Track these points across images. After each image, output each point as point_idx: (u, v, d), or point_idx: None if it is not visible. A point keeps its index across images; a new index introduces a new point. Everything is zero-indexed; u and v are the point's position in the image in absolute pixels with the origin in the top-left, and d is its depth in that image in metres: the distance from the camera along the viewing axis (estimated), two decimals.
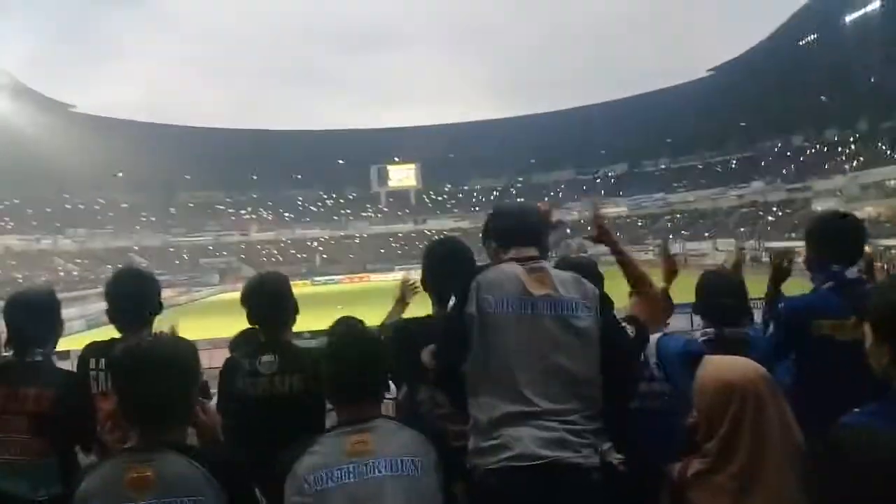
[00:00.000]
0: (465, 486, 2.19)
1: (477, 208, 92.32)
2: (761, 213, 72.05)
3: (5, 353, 2.98)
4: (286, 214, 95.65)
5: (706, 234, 70.38)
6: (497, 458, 2.09)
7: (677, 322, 4.23)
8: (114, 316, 2.86)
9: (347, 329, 2.30)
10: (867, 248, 3.00)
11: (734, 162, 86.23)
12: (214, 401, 2.77)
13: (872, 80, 63.29)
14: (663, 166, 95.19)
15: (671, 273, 3.49)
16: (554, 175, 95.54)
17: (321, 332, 2.30)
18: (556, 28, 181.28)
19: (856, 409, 1.67)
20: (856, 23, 65.82)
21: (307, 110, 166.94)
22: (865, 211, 50.14)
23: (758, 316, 3.68)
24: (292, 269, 70.47)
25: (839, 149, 71.26)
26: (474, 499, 2.17)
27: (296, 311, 3.03)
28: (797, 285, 3.29)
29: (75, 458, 2.64)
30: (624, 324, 2.55)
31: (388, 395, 2.46)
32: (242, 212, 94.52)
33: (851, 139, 70.95)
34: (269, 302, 2.91)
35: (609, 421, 2.25)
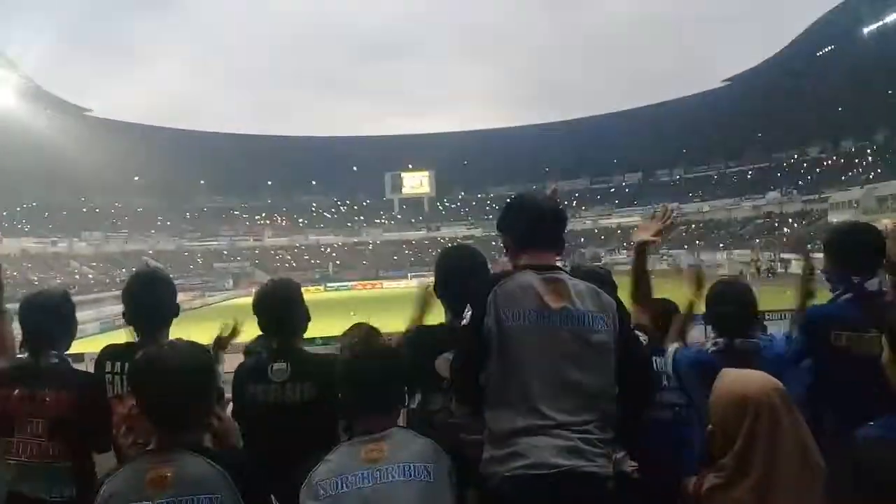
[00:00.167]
0: (477, 494, 2.18)
1: (490, 216, 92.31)
2: (777, 224, 71.63)
3: (19, 355, 3.00)
4: (300, 220, 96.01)
5: (721, 245, 70.01)
6: (512, 465, 2.09)
7: (692, 333, 4.19)
8: (131, 319, 2.88)
9: (367, 344, 2.32)
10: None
11: (750, 172, 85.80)
12: (231, 407, 2.78)
13: (890, 92, 62.83)
14: (678, 176, 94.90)
15: (698, 286, 3.44)
16: (568, 184, 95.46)
17: (334, 338, 2.30)
18: (571, 37, 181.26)
19: (870, 423, 1.66)
20: (873, 34, 65.41)
21: (322, 117, 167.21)
22: (882, 223, 49.75)
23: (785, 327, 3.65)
24: (306, 274, 70.67)
25: (856, 160, 70.78)
26: None
27: (307, 318, 3.02)
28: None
29: (90, 460, 2.65)
30: (636, 332, 2.54)
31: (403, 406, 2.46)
32: (257, 217, 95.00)
33: (868, 150, 70.47)
34: (280, 309, 2.90)
35: (623, 430, 2.24)
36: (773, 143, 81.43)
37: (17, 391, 2.61)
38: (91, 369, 2.97)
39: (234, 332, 3.14)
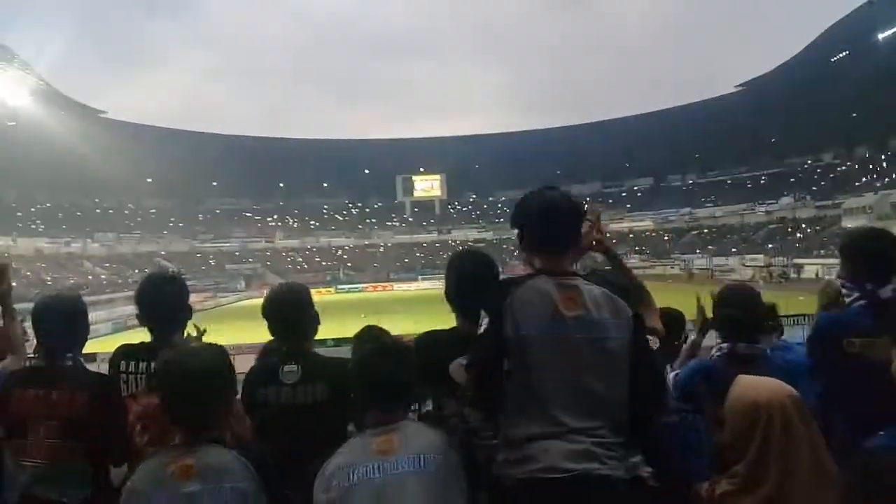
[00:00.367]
0: (490, 497, 2.19)
1: (501, 219, 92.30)
2: (790, 229, 71.30)
3: (31, 356, 3.02)
4: (312, 222, 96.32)
5: (733, 250, 69.78)
6: (525, 469, 2.08)
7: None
8: (145, 321, 2.90)
9: (379, 339, 2.34)
10: None
11: (763, 178, 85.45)
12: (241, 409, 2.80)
13: None
14: (691, 181, 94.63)
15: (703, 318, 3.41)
16: (579, 188, 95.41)
17: (345, 339, 2.32)
18: (584, 41, 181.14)
19: (881, 432, 1.64)
20: (888, 40, 64.99)
21: (334, 120, 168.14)
22: None
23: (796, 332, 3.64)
24: (317, 276, 70.86)
25: (870, 166, 70.38)
26: None
27: (317, 321, 3.03)
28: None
29: (105, 461, 2.66)
30: (649, 337, 2.52)
31: (412, 410, 2.46)
32: (269, 219, 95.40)
33: (882, 156, 70.03)
34: (289, 313, 2.91)
35: (635, 436, 2.23)
36: (786, 148, 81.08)
37: (31, 392, 2.63)
38: (104, 369, 2.99)
39: (199, 339, 3.21)
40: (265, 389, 2.75)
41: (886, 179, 63.75)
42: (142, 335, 2.95)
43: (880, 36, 65.84)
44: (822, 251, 56.11)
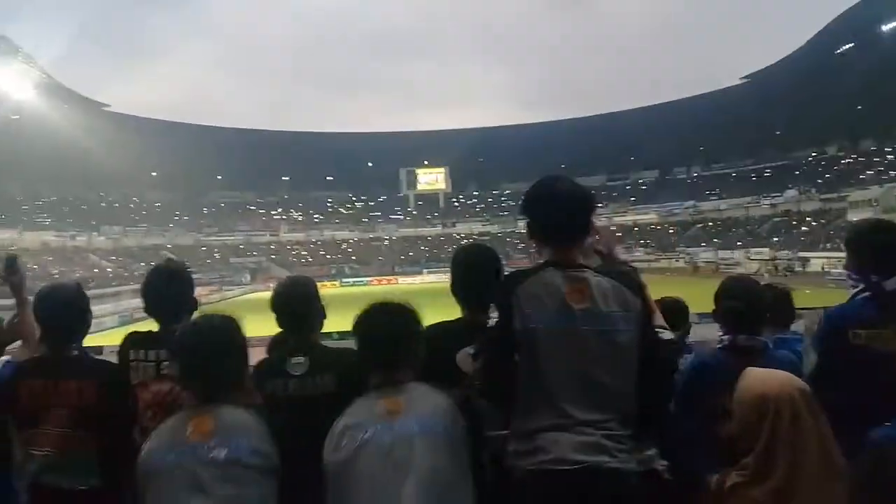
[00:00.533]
0: (498, 487, 2.19)
1: (506, 212, 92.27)
2: (795, 222, 71.13)
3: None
4: (316, 216, 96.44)
5: (738, 243, 69.63)
6: (535, 460, 2.09)
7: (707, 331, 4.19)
8: (151, 313, 2.93)
9: (383, 300, 2.37)
10: None
11: (768, 170, 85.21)
12: None
13: None
14: (695, 174, 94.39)
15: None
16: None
17: (350, 333, 2.32)
18: (588, 34, 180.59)
19: (886, 423, 1.65)
20: (893, 32, 64.65)
21: (338, 113, 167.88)
22: None
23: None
24: (321, 270, 70.94)
25: (875, 159, 70.15)
26: (512, 499, 2.16)
27: (323, 314, 3.05)
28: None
29: (113, 449, 2.68)
30: (659, 331, 2.51)
31: None
32: (273, 212, 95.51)
33: (888, 149, 69.77)
34: (297, 306, 2.93)
35: (643, 428, 2.23)
36: (791, 140, 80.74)
37: (39, 382, 2.65)
38: (111, 362, 3.01)
39: None
40: (273, 381, 2.77)
41: (892, 172, 63.47)
42: (148, 327, 2.97)
43: (885, 28, 65.53)
44: (827, 244, 56.00)
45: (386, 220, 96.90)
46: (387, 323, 2.27)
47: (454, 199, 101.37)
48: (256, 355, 3.18)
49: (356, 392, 2.29)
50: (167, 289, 2.94)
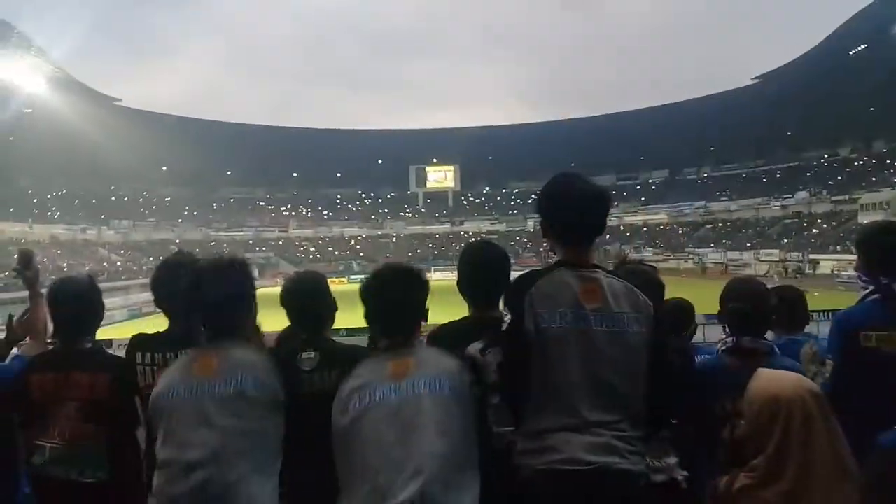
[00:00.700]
0: (505, 485, 2.19)
1: (514, 211, 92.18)
2: (805, 224, 70.79)
3: (48, 341, 3.05)
4: (325, 212, 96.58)
5: (748, 245, 69.35)
6: (545, 460, 2.08)
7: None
8: (161, 306, 2.92)
9: (391, 264, 2.38)
10: None
11: (779, 171, 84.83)
12: None
13: None
14: (705, 174, 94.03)
15: None
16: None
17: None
18: (599, 32, 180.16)
19: (895, 427, 1.64)
20: None
21: (348, 111, 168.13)
22: None
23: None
24: (329, 266, 71.03)
25: (887, 161, 69.70)
26: (521, 499, 2.15)
27: (335, 308, 3.05)
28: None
29: (121, 442, 2.69)
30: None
31: None
32: (282, 208, 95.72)
33: None
34: (307, 301, 2.92)
35: (652, 431, 2.22)
36: (803, 142, 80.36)
37: (50, 376, 2.66)
38: (124, 357, 3.01)
39: None
40: (282, 377, 2.77)
41: None
42: (157, 321, 2.96)
43: None
44: (837, 247, 55.70)
45: (394, 217, 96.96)
46: (395, 286, 2.28)
47: (463, 197, 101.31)
48: None
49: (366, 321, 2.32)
50: (175, 283, 2.93)
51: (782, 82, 73.47)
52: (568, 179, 2.34)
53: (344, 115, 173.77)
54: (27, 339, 3.19)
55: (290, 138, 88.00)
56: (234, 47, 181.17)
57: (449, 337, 2.60)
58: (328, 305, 2.98)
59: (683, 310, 3.65)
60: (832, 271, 46.49)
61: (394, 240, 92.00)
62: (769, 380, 2.02)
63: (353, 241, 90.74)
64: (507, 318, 2.29)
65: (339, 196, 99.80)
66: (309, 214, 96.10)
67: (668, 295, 3.18)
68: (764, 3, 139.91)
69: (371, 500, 1.97)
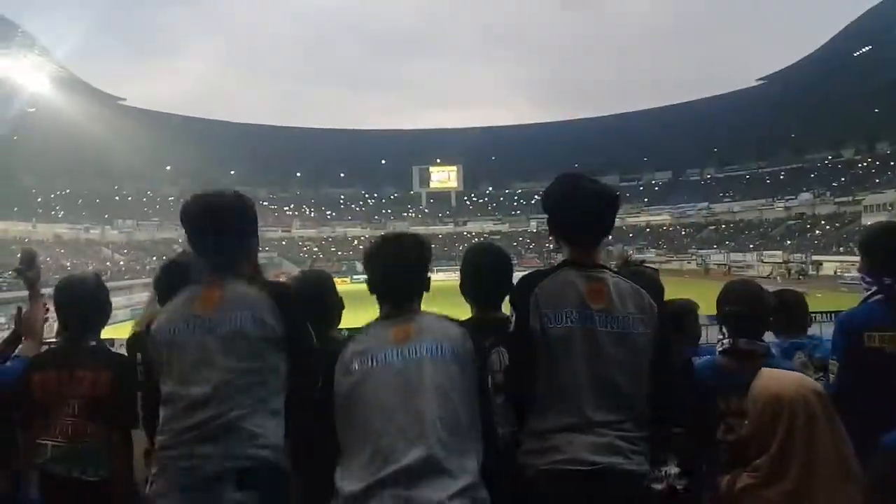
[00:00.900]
0: (509, 485, 2.18)
1: (517, 211, 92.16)
2: (809, 225, 70.68)
3: (51, 340, 3.05)
4: (328, 212, 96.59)
5: (751, 246, 69.25)
6: (548, 459, 2.09)
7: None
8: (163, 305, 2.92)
9: (394, 231, 2.38)
10: None
11: (782, 173, 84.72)
12: None
13: None
14: (709, 175, 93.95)
15: None
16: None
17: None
18: (601, 32, 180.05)
19: None
20: None
21: (351, 110, 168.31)
22: None
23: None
24: (332, 266, 71.06)
25: (891, 163, 69.56)
26: (525, 498, 2.15)
27: (341, 306, 3.05)
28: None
29: (125, 440, 2.69)
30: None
31: None
32: (285, 208, 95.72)
33: None
34: (312, 300, 2.92)
35: (654, 430, 2.22)
36: (806, 143, 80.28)
37: (53, 374, 2.67)
38: (127, 356, 3.02)
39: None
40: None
41: None
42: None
43: None
44: (840, 248, 55.61)
45: (398, 218, 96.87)
46: (397, 253, 2.27)
47: (466, 198, 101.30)
48: None
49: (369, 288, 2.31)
50: (178, 283, 2.93)
51: (787, 83, 73.28)
52: (575, 179, 2.35)
53: (344, 115, 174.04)
54: (23, 339, 3.19)
55: (294, 138, 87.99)
56: (234, 47, 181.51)
57: None
58: (333, 304, 2.99)
59: (688, 311, 3.64)
60: (835, 272, 46.42)
61: None
62: (772, 379, 2.02)
63: (356, 242, 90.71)
64: (513, 319, 2.28)
65: (342, 196, 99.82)
66: (312, 214, 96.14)
67: (669, 295, 3.17)
68: (768, 4, 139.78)
69: (373, 463, 1.96)
